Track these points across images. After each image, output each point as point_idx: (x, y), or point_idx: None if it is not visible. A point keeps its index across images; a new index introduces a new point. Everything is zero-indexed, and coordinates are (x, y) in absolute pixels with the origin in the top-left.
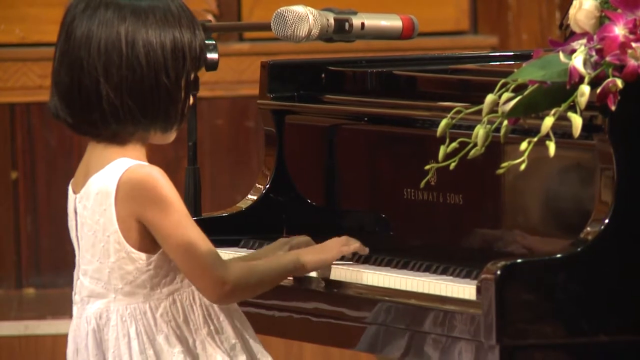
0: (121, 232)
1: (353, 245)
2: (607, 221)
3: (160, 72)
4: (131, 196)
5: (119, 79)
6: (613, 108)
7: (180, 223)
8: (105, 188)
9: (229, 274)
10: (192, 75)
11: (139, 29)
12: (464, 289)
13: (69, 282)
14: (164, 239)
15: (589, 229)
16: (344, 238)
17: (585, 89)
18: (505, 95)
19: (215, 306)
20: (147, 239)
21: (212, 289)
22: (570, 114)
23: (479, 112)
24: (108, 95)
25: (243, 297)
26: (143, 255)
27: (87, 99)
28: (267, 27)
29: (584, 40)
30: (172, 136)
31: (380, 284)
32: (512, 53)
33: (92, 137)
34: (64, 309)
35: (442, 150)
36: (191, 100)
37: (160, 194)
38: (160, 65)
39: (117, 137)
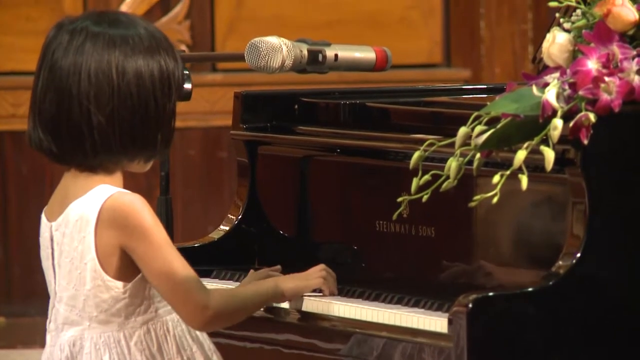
0: (98, 260)
1: (332, 282)
2: (578, 255)
3: (150, 101)
4: (114, 224)
5: (111, 108)
6: (585, 142)
7: (161, 250)
8: (86, 215)
9: (211, 300)
10: (175, 104)
11: (128, 57)
12: (436, 322)
13: (40, 311)
14: (146, 266)
15: (560, 262)
16: (322, 266)
17: (557, 122)
18: (478, 128)
19: (188, 337)
20: (125, 267)
21: (195, 315)
22: (543, 148)
23: (452, 144)
24: (100, 124)
25: (224, 323)
26: (119, 284)
27: (78, 129)
28: (240, 57)
29: (557, 74)
30: (149, 165)
31: (352, 316)
32: (485, 86)
33: (76, 166)
34: (34, 338)
35: (414, 183)
36: None
37: (142, 222)
38: (149, 94)
39: (102, 166)
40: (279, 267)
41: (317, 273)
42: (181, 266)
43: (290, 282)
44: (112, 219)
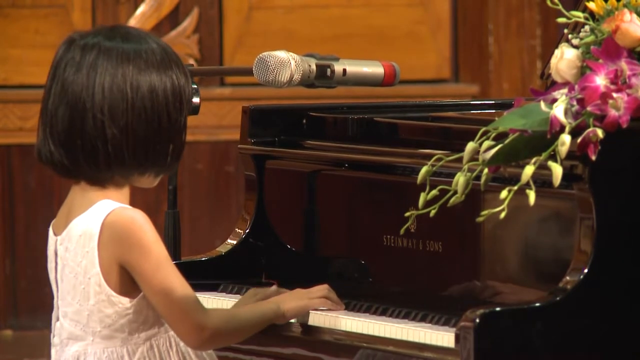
0: (102, 275)
1: (334, 296)
2: (586, 271)
3: (162, 115)
4: (114, 239)
5: (125, 121)
6: (593, 158)
7: (160, 268)
8: (89, 230)
9: (208, 320)
10: (186, 118)
11: (142, 72)
12: (443, 337)
13: (46, 325)
14: (145, 283)
15: (568, 278)
16: (325, 287)
17: (565, 138)
18: (486, 144)
19: (192, 353)
20: (127, 283)
21: (191, 334)
22: (551, 163)
23: (460, 159)
24: (114, 137)
25: (222, 343)
26: (123, 299)
27: (91, 142)
28: (249, 71)
29: (565, 90)
30: (158, 180)
31: (359, 330)
32: (493, 101)
33: (86, 180)
34: (41, 351)
35: (422, 198)
36: None
37: (142, 238)
38: (162, 108)
39: (113, 180)
40: (274, 287)
41: (319, 292)
42: (180, 285)
43: (291, 302)
44: (113, 234)
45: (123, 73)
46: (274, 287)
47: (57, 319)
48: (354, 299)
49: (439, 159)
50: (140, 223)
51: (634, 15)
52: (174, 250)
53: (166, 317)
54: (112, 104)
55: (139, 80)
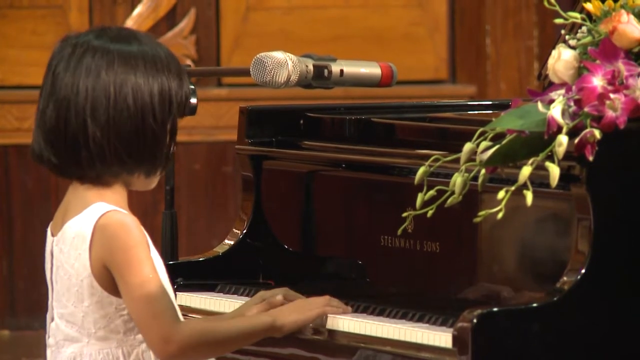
0: (95, 277)
1: (336, 307)
2: (583, 271)
3: (147, 115)
4: (102, 242)
5: (106, 119)
6: (591, 158)
7: (139, 272)
8: (82, 233)
9: (177, 334)
10: (176, 120)
11: (128, 73)
12: (440, 337)
13: (44, 325)
14: (124, 288)
15: (565, 278)
16: (326, 298)
17: (563, 139)
18: (483, 144)
19: None
20: (115, 284)
21: (156, 345)
22: (548, 164)
23: (457, 160)
24: (95, 134)
25: (197, 357)
26: (117, 300)
27: (74, 139)
28: (246, 72)
29: (563, 91)
30: (154, 182)
31: (356, 331)
32: (490, 102)
33: (76, 178)
34: (38, 352)
35: (419, 198)
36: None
37: (127, 243)
38: (148, 108)
39: (101, 179)
40: (280, 296)
41: (319, 303)
42: (157, 292)
43: (289, 316)
44: (101, 236)
45: (107, 72)
46: (279, 297)
47: (52, 320)
48: (351, 299)
49: (437, 160)
50: (129, 227)
51: (631, 16)
52: (171, 251)
53: (137, 324)
54: (94, 102)
55: (123, 80)
